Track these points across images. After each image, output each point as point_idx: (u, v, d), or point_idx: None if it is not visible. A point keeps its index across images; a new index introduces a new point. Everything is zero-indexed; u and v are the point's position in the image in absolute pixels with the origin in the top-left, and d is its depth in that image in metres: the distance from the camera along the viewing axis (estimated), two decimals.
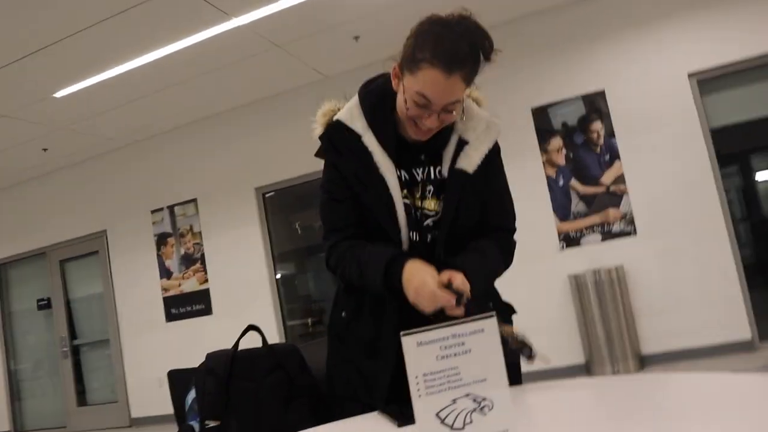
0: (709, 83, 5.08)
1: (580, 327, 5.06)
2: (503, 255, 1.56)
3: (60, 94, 5.39)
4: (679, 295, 4.95)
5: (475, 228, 1.55)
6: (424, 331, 0.86)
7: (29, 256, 7.90)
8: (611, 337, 4.89)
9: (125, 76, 5.21)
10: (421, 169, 1.54)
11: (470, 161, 1.51)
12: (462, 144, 1.52)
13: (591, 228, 5.23)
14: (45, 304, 7.81)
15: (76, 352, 7.62)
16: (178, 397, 1.84)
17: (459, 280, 1.30)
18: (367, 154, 1.50)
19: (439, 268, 1.35)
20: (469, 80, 1.40)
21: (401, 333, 0.84)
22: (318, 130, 1.60)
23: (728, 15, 4.97)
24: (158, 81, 5.49)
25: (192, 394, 1.77)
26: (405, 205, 1.50)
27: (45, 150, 6.76)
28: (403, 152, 1.53)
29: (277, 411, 1.73)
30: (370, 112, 1.53)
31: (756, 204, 6.96)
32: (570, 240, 5.27)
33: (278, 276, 6.52)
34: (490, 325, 0.89)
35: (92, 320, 7.58)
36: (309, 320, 6.74)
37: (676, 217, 5.00)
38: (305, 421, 1.65)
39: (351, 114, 1.55)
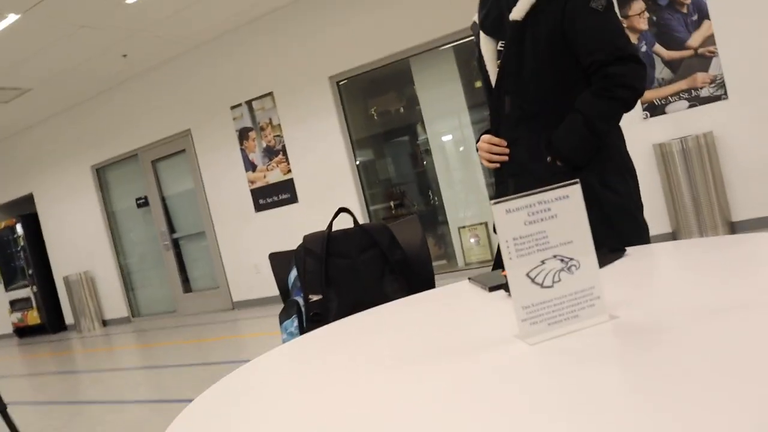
0: None
1: (666, 196, 4.96)
2: (596, 98, 1.55)
3: None
4: None
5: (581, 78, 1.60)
6: (511, 199, 0.91)
7: (123, 159, 8.38)
8: (699, 205, 4.79)
9: None
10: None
11: (517, 10, 1.57)
12: None
13: (677, 95, 4.99)
14: (143, 203, 8.37)
15: (176, 244, 8.22)
16: (280, 277, 2.01)
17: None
18: (478, 45, 1.73)
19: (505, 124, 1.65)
20: None
21: (491, 202, 0.90)
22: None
23: None
24: None
25: (293, 273, 1.93)
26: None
27: (124, 56, 6.96)
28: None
29: (374, 284, 1.87)
30: (480, 5, 1.74)
31: None
32: (654, 108, 5.06)
33: (358, 162, 6.66)
34: (574, 191, 0.93)
35: (188, 215, 8.07)
36: (391, 203, 6.92)
37: None
38: (400, 292, 1.78)
39: (477, 11, 1.78)
